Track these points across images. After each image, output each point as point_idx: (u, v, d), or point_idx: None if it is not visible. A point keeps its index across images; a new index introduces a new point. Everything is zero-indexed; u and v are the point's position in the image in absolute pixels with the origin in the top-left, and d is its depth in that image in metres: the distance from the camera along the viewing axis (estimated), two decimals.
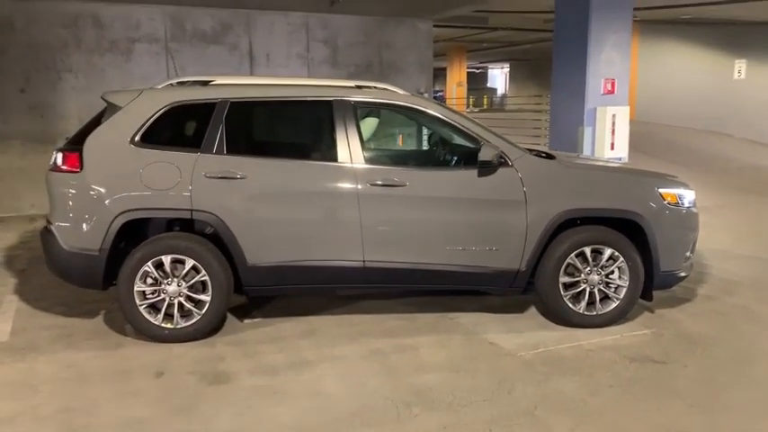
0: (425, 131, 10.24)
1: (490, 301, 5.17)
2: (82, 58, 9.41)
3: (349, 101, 4.52)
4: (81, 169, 4.30)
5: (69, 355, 4.23)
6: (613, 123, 7.48)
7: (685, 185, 4.82)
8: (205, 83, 4.64)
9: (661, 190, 4.64)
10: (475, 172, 4.47)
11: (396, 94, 4.69)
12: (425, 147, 5.46)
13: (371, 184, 4.39)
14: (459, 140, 5.21)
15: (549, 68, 27.55)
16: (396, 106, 4.72)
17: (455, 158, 5.10)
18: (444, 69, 30.90)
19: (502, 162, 4.47)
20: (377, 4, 9.98)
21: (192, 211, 4.30)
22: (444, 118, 4.61)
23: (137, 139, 4.35)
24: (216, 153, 4.37)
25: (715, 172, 12.73)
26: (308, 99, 4.59)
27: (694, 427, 3.29)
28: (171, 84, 4.65)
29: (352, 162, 4.42)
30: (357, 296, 5.29)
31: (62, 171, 4.36)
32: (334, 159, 4.44)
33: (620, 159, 7.42)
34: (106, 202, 4.27)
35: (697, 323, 4.76)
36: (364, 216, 4.38)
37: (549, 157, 4.87)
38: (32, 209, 9.36)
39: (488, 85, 47.05)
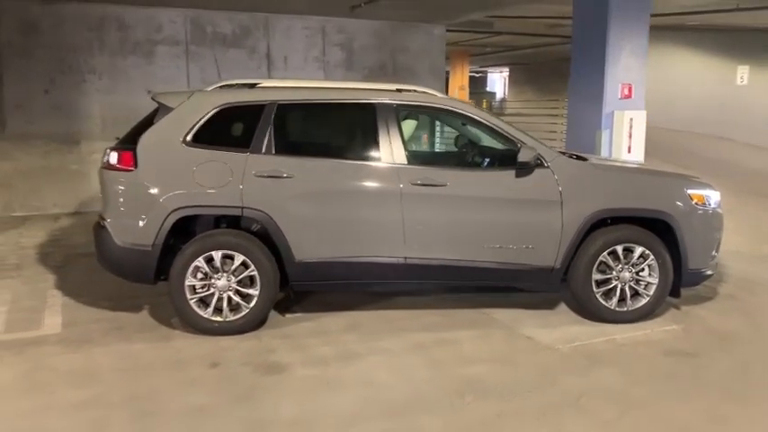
0: (437, 133, 10.48)
1: (521, 298, 5.34)
2: (105, 59, 9.56)
3: (392, 104, 4.70)
4: (135, 168, 4.46)
5: (123, 346, 4.38)
6: (630, 127, 7.67)
7: (711, 187, 5.01)
8: (252, 85, 4.81)
9: (689, 191, 4.84)
10: (512, 172, 4.65)
11: (435, 97, 4.87)
12: (462, 149, 5.62)
13: (413, 184, 4.56)
14: (488, 142, 5.41)
15: (548, 73, 27.56)
16: (437, 109, 4.91)
17: (488, 159, 5.28)
18: (447, 73, 31.13)
19: (539, 163, 4.65)
20: (395, 10, 10.16)
21: (242, 208, 4.46)
22: (483, 121, 4.80)
23: (188, 138, 4.52)
24: (265, 153, 4.53)
25: (721, 176, 12.93)
26: (352, 102, 4.76)
27: (733, 415, 3.47)
28: (219, 86, 4.81)
29: (394, 162, 4.59)
30: (392, 293, 5.46)
31: (116, 169, 4.52)
32: (378, 160, 4.62)
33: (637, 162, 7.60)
34: (160, 199, 4.43)
35: (723, 320, 4.95)
36: (406, 214, 4.56)
37: (580, 158, 5.05)
38: (55, 208, 9.50)
39: (488, 88, 47.30)
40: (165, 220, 4.42)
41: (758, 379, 3.94)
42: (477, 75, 44.98)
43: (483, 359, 4.21)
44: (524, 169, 4.61)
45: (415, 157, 4.97)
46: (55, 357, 4.18)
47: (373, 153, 4.64)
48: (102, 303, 5.24)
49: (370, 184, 4.59)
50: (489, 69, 43.47)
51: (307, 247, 4.54)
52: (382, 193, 4.56)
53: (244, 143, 4.57)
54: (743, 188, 11.80)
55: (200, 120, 4.55)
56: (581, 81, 7.95)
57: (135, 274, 4.64)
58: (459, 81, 29.35)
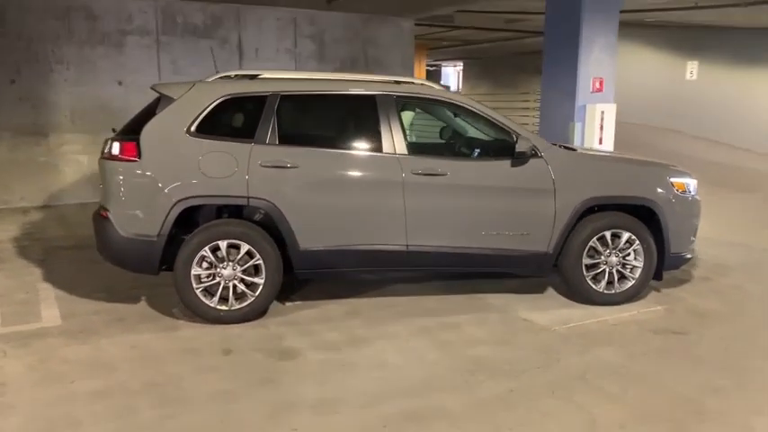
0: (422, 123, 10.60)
1: (511, 284, 5.55)
2: (73, 49, 9.36)
3: (392, 95, 4.82)
4: (139, 158, 4.46)
5: (129, 337, 4.39)
6: (602, 120, 7.99)
7: (690, 175, 5.30)
8: (253, 77, 4.85)
9: (671, 179, 5.12)
10: (508, 162, 4.83)
11: (432, 89, 5.01)
12: (450, 140, 5.77)
13: (414, 174, 4.70)
14: (474, 133, 5.59)
15: (502, 67, 27.88)
16: (434, 101, 5.05)
17: (477, 150, 5.44)
18: None
19: (533, 153, 4.85)
20: (370, 2, 10.25)
21: (248, 198, 4.52)
22: (479, 112, 4.96)
23: (192, 129, 4.54)
24: (269, 143, 4.59)
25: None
26: (354, 93, 4.86)
27: (727, 385, 3.73)
28: (221, 77, 4.83)
29: (396, 152, 4.72)
30: (386, 280, 5.59)
31: (119, 160, 4.51)
32: (380, 150, 4.73)
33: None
34: (165, 189, 4.45)
35: (701, 300, 5.26)
36: (408, 203, 4.69)
37: (569, 149, 5.28)
38: (23, 201, 9.29)
39: (442, 82, 47.78)
40: (170, 210, 4.44)
41: (743, 352, 4.23)
42: (432, 69, 45.37)
43: (486, 341, 4.38)
44: (521, 159, 4.80)
45: (416, 148, 5.11)
46: (63, 349, 4.16)
47: (375, 143, 4.75)
48: (96, 295, 5.22)
49: (373, 173, 4.70)
50: (443, 63, 43.90)
51: (311, 235, 4.63)
52: (385, 183, 4.68)
53: (248, 134, 4.62)
54: (703, 179, 12.33)
55: (203, 110, 4.57)
56: (554, 75, 8.22)
57: (138, 265, 4.64)
58: (418, 75, 29.59)
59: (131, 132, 4.62)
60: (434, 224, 4.78)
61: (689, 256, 5.27)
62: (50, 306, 4.98)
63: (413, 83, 5.02)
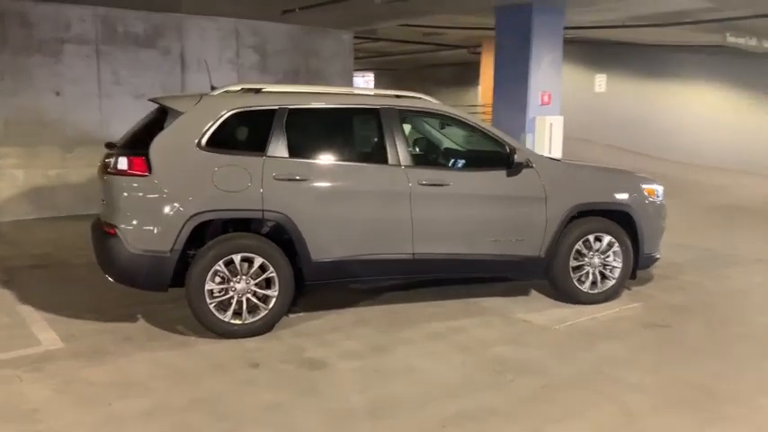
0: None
1: (498, 288, 5.83)
2: (7, 58, 8.85)
3: (395, 108, 4.98)
4: (150, 173, 4.38)
5: (146, 355, 4.29)
6: (551, 131, 8.50)
7: (657, 182, 5.80)
8: (257, 90, 4.87)
9: (643, 186, 5.59)
10: (504, 172, 5.12)
11: (430, 102, 5.22)
12: (422, 151, 6.02)
13: (420, 184, 4.88)
14: (449, 144, 5.87)
15: (413, 79, 28.48)
16: (433, 114, 5.26)
17: (471, 161, 5.69)
18: None
19: (526, 164, 5.16)
20: (324, 14, 10.36)
21: (263, 211, 4.54)
22: (473, 124, 5.23)
23: (203, 143, 4.51)
24: (280, 157, 4.64)
25: None
26: (359, 107, 4.99)
27: (726, 370, 4.15)
28: (225, 91, 4.82)
29: (401, 164, 4.89)
30: (381, 289, 5.71)
31: (128, 175, 4.41)
32: (387, 161, 4.88)
33: None
34: (178, 204, 4.39)
35: (670, 296, 5.76)
36: (415, 212, 4.86)
37: (554, 159, 5.65)
38: None
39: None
40: (184, 225, 4.39)
41: (725, 340, 4.70)
42: None
43: (498, 342, 4.62)
44: (516, 169, 5.09)
45: (419, 159, 5.31)
46: (82, 371, 4.02)
47: (382, 155, 4.89)
48: (88, 315, 5.03)
49: (382, 184, 4.84)
50: (355, 74, 44.39)
51: (323, 247, 4.70)
52: (393, 193, 4.83)
53: (258, 147, 4.64)
54: None
55: (213, 124, 4.55)
56: (506, 89, 8.67)
57: (148, 282, 4.54)
58: None
59: (134, 147, 4.53)
60: (438, 232, 4.98)
61: (658, 256, 5.76)
62: (44, 329, 4.75)
63: (413, 97, 5.21)
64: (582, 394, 3.79)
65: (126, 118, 9.82)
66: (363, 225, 4.80)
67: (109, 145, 4.85)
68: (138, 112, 9.73)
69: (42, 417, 3.44)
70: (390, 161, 4.89)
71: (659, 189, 5.72)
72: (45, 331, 4.70)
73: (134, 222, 4.40)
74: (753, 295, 5.88)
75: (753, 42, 10.73)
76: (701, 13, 9.45)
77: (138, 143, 4.53)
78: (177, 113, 4.56)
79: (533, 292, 5.79)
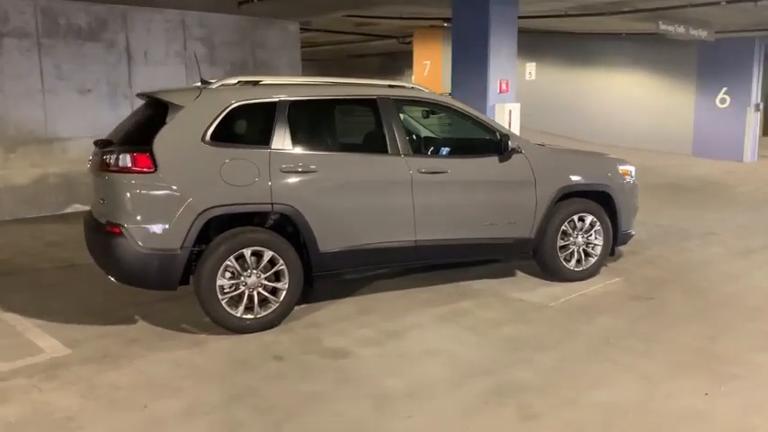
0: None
1: (483, 271, 6.01)
2: None
3: (390, 98, 5.05)
4: (155, 169, 4.28)
5: (161, 355, 4.21)
6: (510, 117, 8.78)
7: (629, 163, 6.14)
8: (255, 83, 4.83)
9: (620, 167, 5.91)
10: (497, 158, 5.30)
11: (423, 91, 5.32)
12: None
13: (420, 172, 4.99)
14: (426, 133, 6.02)
15: (338, 69, 28.42)
16: (427, 103, 5.35)
17: (465, 147, 5.84)
18: None
19: (517, 150, 5.35)
20: (281, 7, 10.24)
21: (272, 204, 4.52)
22: (465, 112, 5.37)
23: (207, 137, 4.44)
24: (285, 149, 4.62)
25: None
26: (356, 97, 5.03)
27: (717, 333, 4.50)
28: (223, 84, 4.74)
29: (401, 153, 4.97)
30: (365, 279, 5.75)
31: (132, 172, 4.29)
32: (387, 151, 4.95)
33: None
34: (188, 200, 4.31)
35: (643, 269, 6.13)
36: (416, 200, 4.97)
37: (539, 145, 5.87)
38: None
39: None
40: (194, 221, 4.32)
41: (706, 307, 5.07)
42: None
43: (504, 321, 4.81)
44: (508, 155, 5.28)
45: (418, 148, 5.40)
46: (102, 376, 3.91)
47: (382, 145, 4.95)
48: (83, 319, 4.86)
49: (384, 173, 4.91)
50: None
51: (330, 237, 4.73)
52: (396, 182, 4.91)
53: (262, 140, 4.61)
54: None
55: (216, 118, 4.49)
56: (465, 78, 8.87)
57: (157, 281, 4.43)
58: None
59: (133, 143, 4.41)
60: (438, 218, 5.10)
61: (633, 232, 6.11)
62: (39, 336, 4.56)
63: (404, 86, 5.29)
64: (600, 364, 4.02)
65: (72, 114, 9.51)
66: (368, 214, 4.86)
67: (100, 143, 4.69)
68: (86, 109, 9.55)
69: (79, 424, 3.34)
70: (390, 150, 4.96)
71: (632, 169, 6.06)
72: (42, 338, 4.51)
73: (142, 221, 4.28)
74: (716, 264, 6.33)
75: (681, 30, 11.39)
76: (639, 2, 9.96)
77: (138, 139, 4.41)
78: (178, 108, 4.46)
79: (519, 273, 6.01)
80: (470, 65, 8.78)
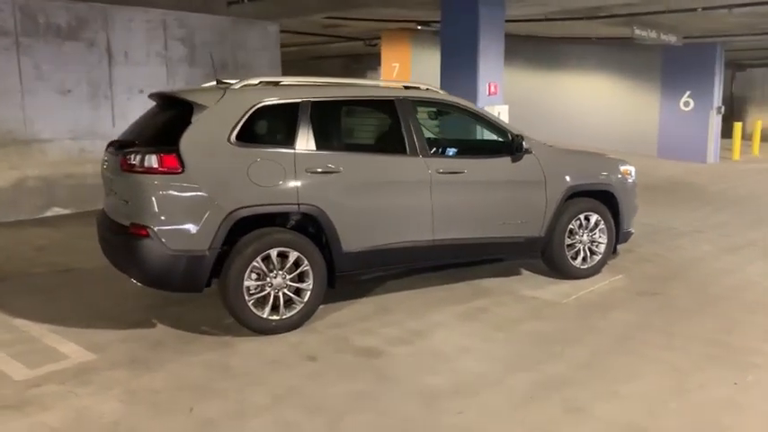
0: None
1: (490, 270, 6.11)
2: None
3: (409, 99, 5.10)
4: (183, 170, 4.23)
5: (194, 359, 4.16)
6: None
7: (630, 163, 6.32)
8: (276, 83, 4.81)
9: (621, 167, 6.08)
10: (509, 159, 5.40)
11: (438, 93, 5.39)
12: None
13: (438, 172, 5.05)
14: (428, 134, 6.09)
15: (305, 68, 28.41)
16: (442, 104, 5.42)
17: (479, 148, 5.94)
18: None
19: (528, 150, 5.47)
20: (269, 7, 10.17)
21: (299, 204, 4.51)
22: (478, 113, 5.47)
23: (233, 138, 4.41)
24: (309, 150, 4.62)
25: None
26: (375, 98, 5.06)
27: (728, 326, 4.68)
28: (245, 84, 4.70)
29: (420, 153, 5.02)
30: (374, 279, 5.76)
31: (158, 173, 4.22)
32: (406, 151, 4.99)
33: None
34: (216, 200, 4.27)
35: (643, 267, 6.32)
36: (435, 199, 5.02)
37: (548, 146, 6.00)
38: None
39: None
40: (222, 221, 4.28)
41: (711, 302, 5.26)
42: None
43: (522, 318, 4.90)
44: (520, 155, 5.39)
45: (435, 148, 5.45)
46: (137, 380, 3.84)
47: (401, 145, 4.99)
48: (99, 324, 4.76)
49: (405, 173, 4.95)
50: None
51: (353, 237, 4.75)
52: (415, 182, 4.96)
53: (287, 140, 4.59)
54: None
55: (241, 118, 4.45)
56: (455, 80, 8.96)
57: (184, 283, 4.37)
58: None
59: (157, 143, 4.34)
60: (455, 218, 5.17)
61: (633, 231, 6.30)
62: (59, 341, 4.44)
63: (419, 87, 5.34)
64: (628, 358, 4.15)
65: (52, 115, 9.25)
66: (389, 214, 4.89)
67: (116, 143, 4.61)
68: (66, 110, 9.29)
69: (127, 428, 3.28)
70: (409, 151, 5.01)
71: (632, 170, 6.25)
72: (62, 344, 4.40)
73: (169, 222, 4.22)
74: (710, 261, 6.57)
75: (653, 35, 11.75)
76: (617, 7, 10.25)
77: (162, 139, 4.35)
78: (202, 108, 4.41)
79: (524, 271, 6.13)
80: (459, 68, 8.89)
